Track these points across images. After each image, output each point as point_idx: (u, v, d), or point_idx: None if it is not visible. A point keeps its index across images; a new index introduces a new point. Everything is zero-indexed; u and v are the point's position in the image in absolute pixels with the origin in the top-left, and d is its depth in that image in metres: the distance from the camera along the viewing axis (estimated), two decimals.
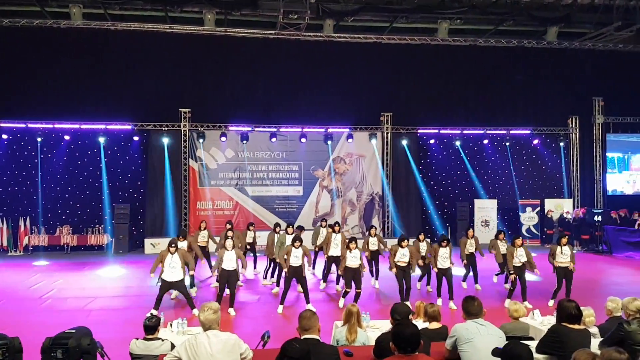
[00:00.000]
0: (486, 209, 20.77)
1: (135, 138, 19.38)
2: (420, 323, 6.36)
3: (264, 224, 19.65)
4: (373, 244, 12.90)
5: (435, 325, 5.92)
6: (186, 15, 16.99)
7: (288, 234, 12.48)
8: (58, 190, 19.00)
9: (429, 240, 13.01)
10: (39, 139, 18.46)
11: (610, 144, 22.20)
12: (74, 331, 4.96)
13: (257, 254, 14.73)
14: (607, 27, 16.88)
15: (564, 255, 10.89)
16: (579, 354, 3.67)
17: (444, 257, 11.17)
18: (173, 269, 9.93)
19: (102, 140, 18.78)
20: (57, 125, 18.77)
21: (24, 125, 18.68)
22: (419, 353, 4.01)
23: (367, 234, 13.05)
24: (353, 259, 10.81)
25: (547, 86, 21.24)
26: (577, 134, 21.96)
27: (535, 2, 16.97)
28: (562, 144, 21.60)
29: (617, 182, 22.45)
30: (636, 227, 18.19)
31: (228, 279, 10.27)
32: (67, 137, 18.88)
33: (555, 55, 19.95)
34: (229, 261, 10.27)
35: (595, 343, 5.28)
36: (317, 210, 20.59)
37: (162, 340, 5.75)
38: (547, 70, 20.80)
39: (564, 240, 10.95)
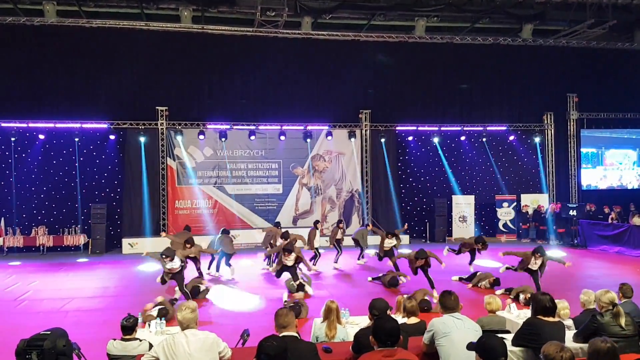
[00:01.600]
0: (464, 205, 20.98)
1: (112, 137, 19.11)
2: (398, 318, 6.41)
3: (244, 222, 19.61)
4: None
5: (413, 320, 5.97)
6: (162, 12, 16.82)
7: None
8: (33, 191, 18.68)
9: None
10: (12, 139, 18.10)
11: (584, 139, 22.57)
12: (49, 332, 4.90)
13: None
14: (580, 24, 17.15)
15: (534, 265, 11.02)
16: (547, 347, 3.75)
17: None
18: None
19: (77, 139, 18.51)
20: (31, 125, 18.43)
21: None
22: (398, 347, 4.05)
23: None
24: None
25: (522, 83, 21.54)
26: (552, 130, 22.28)
27: (511, 0, 17.18)
28: (537, 139, 21.89)
29: (592, 177, 22.84)
30: (609, 221, 18.54)
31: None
32: (41, 137, 18.54)
33: (530, 52, 20.24)
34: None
35: (569, 335, 5.39)
36: (297, 208, 20.57)
37: (140, 340, 5.71)
38: (522, 67, 21.07)
39: (538, 255, 10.96)
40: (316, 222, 16.50)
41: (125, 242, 18.35)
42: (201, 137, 19.35)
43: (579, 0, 16.95)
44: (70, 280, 13.75)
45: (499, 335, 4.60)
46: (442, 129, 21.12)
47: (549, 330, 4.80)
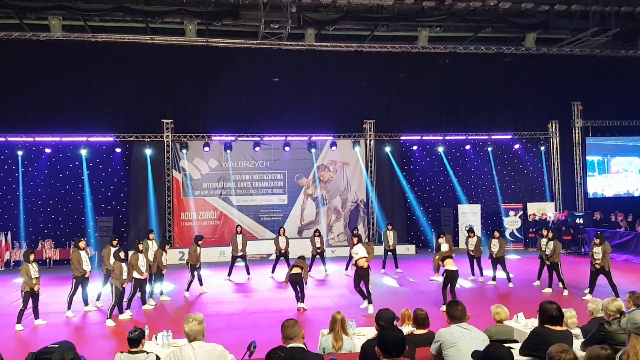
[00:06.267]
0: (469, 214, 20.92)
1: (118, 150, 19.24)
2: (405, 329, 6.38)
3: (249, 233, 19.60)
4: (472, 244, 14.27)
5: (421, 330, 5.93)
6: (167, 26, 16.97)
7: None
8: (40, 204, 18.78)
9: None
10: (19, 153, 18.26)
11: (589, 147, 22.52)
12: (57, 346, 4.90)
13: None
14: (583, 32, 17.17)
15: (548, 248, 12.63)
16: (551, 348, 3.76)
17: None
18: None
19: (83, 152, 18.64)
20: (37, 139, 18.58)
21: (4, 139, 18.46)
22: (404, 357, 4.03)
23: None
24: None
25: (526, 91, 21.55)
26: (557, 138, 22.25)
27: (513, 9, 17.22)
28: (542, 148, 21.87)
29: (598, 185, 22.75)
30: (622, 224, 18.48)
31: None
32: (48, 150, 18.69)
33: (534, 61, 20.25)
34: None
35: (577, 344, 5.36)
36: (302, 218, 20.56)
37: (147, 353, 5.69)
38: (526, 76, 21.08)
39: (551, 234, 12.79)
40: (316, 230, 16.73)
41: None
42: (206, 149, 19.43)
43: (582, 8, 16.98)
44: (76, 293, 13.71)
45: (507, 344, 4.58)
46: (447, 138, 21.13)
47: (557, 339, 4.76)
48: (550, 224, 20.02)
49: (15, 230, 18.31)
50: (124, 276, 10.94)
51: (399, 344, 3.95)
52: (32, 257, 10.63)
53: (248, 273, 15.24)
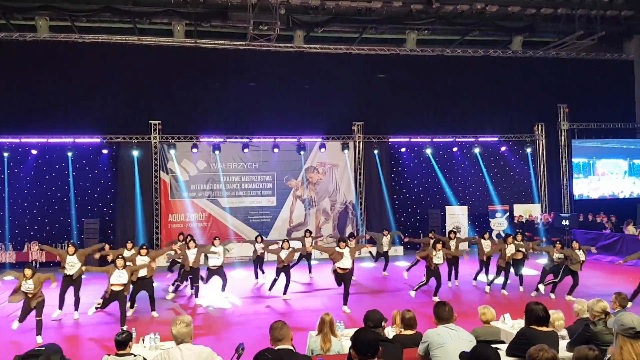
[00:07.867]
0: (457, 216, 21.03)
1: (104, 151, 19.09)
2: (394, 331, 6.41)
3: (238, 235, 19.57)
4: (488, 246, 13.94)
5: (409, 331, 5.95)
6: (155, 27, 16.94)
7: None
8: (25, 206, 18.58)
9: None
10: (5, 154, 18.05)
11: (575, 149, 22.70)
12: (43, 348, 4.87)
13: None
14: (569, 36, 17.40)
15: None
16: (530, 349, 3.82)
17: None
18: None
19: (70, 154, 18.47)
20: (23, 140, 18.39)
21: None
22: (378, 359, 4.03)
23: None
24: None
25: (513, 94, 21.69)
26: (544, 141, 22.44)
27: (500, 13, 17.41)
28: (529, 150, 22.04)
29: (583, 187, 22.96)
30: (607, 226, 18.69)
31: (117, 298, 10.42)
32: (34, 152, 18.50)
33: (520, 63, 20.41)
34: (118, 278, 10.70)
35: (563, 345, 5.41)
36: (291, 220, 20.56)
37: (135, 355, 5.68)
38: (513, 79, 21.22)
39: (558, 245, 12.42)
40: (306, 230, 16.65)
41: None
42: (194, 150, 19.34)
43: (568, 12, 17.19)
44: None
45: (494, 345, 4.62)
46: (435, 140, 21.22)
47: (542, 340, 4.80)
48: (539, 226, 20.24)
49: (1, 232, 18.12)
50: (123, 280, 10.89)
51: (373, 345, 3.95)
52: (27, 271, 10.45)
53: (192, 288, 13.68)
